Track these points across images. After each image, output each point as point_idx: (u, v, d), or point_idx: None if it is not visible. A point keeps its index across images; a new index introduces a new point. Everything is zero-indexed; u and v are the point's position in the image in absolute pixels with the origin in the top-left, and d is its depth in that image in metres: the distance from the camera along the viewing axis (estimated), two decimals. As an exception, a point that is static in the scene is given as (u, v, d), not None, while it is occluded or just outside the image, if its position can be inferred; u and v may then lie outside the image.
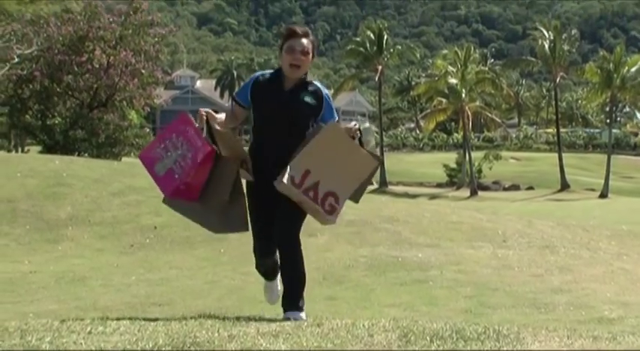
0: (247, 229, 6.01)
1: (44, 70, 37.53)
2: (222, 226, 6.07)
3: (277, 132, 5.94)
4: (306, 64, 6.00)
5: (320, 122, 5.95)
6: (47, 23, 36.40)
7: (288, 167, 5.64)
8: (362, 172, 5.82)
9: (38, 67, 37.73)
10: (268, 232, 5.94)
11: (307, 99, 5.98)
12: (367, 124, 5.98)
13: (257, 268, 6.29)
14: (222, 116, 6.04)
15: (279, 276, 6.21)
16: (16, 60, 37.60)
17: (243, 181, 6.02)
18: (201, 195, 5.79)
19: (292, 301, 5.90)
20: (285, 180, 5.59)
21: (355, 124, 5.91)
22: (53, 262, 8.98)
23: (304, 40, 5.96)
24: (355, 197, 5.93)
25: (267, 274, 6.34)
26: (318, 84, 6.15)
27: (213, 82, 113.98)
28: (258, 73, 6.26)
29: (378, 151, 6.58)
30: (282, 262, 5.98)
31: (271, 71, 6.23)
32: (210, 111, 5.98)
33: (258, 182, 5.93)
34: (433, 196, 57.31)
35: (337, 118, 6.07)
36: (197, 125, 5.85)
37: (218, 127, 5.89)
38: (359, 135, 5.84)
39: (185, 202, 5.87)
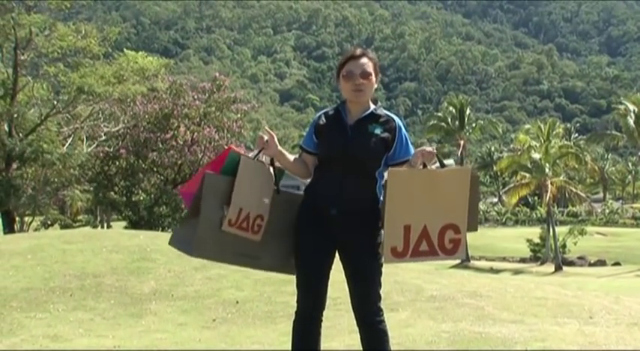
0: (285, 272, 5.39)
1: (130, 147, 38.40)
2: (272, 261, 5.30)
3: (341, 170, 5.14)
4: (370, 87, 5.19)
5: (391, 160, 5.15)
6: (134, 101, 37.28)
7: (384, 242, 4.93)
8: (461, 190, 4.98)
9: (124, 144, 38.63)
10: (315, 286, 5.25)
11: (376, 130, 5.15)
12: (451, 161, 5.39)
13: (293, 325, 5.47)
14: (289, 156, 5.47)
15: None
16: (103, 137, 38.57)
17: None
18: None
19: None
20: (387, 258, 4.94)
21: (427, 148, 4.99)
22: (137, 337, 9.03)
23: (363, 60, 5.17)
24: (472, 224, 5.08)
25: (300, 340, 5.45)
26: (391, 114, 5.29)
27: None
28: (320, 112, 5.46)
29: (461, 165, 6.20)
30: (365, 341, 5.26)
31: (334, 106, 5.38)
32: (273, 136, 5.32)
33: (310, 228, 5.19)
34: (516, 271, 56.51)
35: (413, 153, 5.11)
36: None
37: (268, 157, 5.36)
38: (434, 158, 4.97)
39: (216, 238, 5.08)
